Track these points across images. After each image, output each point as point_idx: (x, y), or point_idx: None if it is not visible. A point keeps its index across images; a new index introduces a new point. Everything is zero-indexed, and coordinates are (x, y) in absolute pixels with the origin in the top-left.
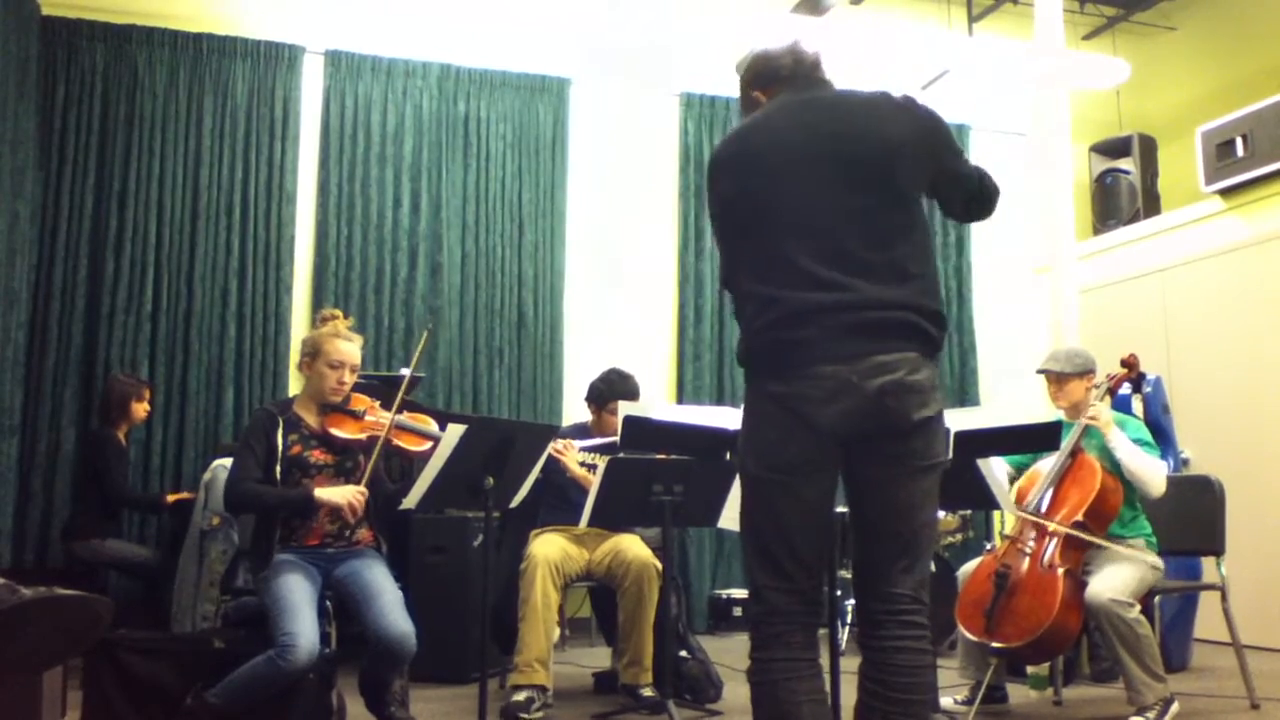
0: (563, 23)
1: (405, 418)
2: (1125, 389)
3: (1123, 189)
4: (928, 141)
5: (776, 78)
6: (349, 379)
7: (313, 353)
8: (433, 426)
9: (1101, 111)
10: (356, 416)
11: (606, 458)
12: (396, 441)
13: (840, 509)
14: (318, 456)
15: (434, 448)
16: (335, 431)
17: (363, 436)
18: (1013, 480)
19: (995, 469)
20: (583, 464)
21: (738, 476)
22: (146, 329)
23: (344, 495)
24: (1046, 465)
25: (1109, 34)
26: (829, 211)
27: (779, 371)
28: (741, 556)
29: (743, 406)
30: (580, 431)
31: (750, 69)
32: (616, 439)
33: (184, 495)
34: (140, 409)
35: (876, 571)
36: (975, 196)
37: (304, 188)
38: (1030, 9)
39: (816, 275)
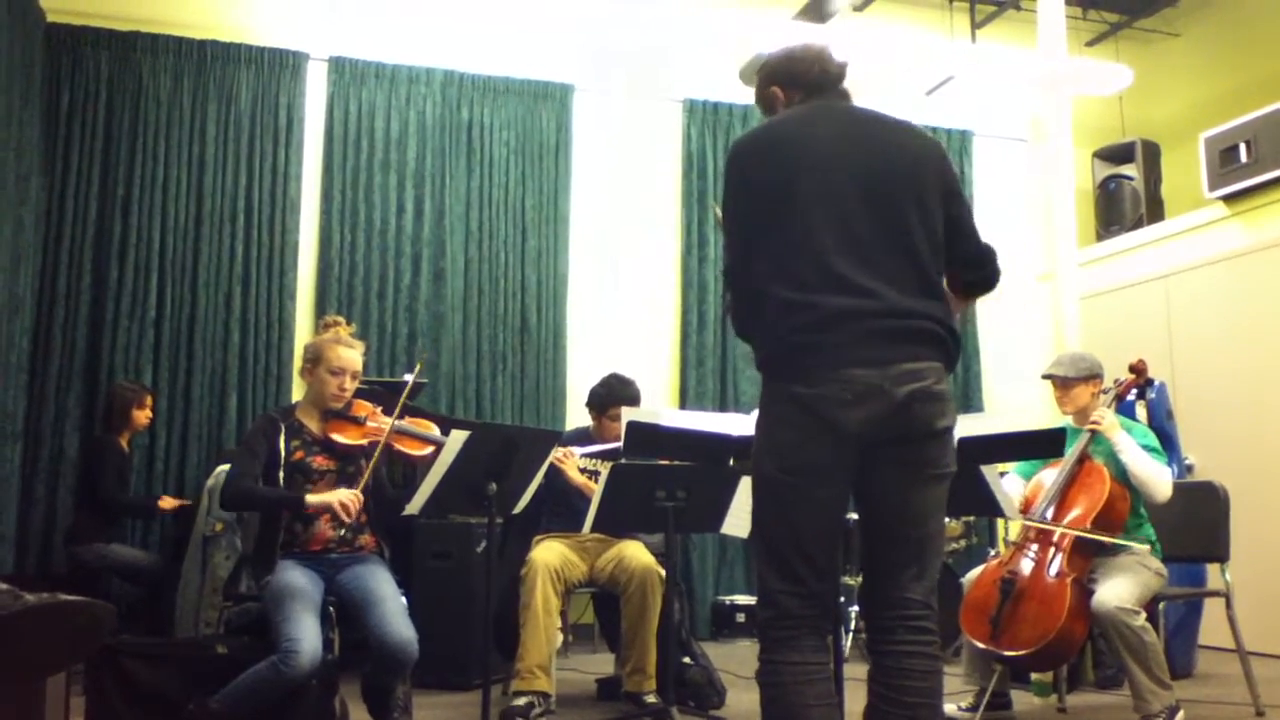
0: (566, 29)
1: (406, 423)
2: (1130, 395)
3: (1126, 195)
4: (944, 174)
5: (801, 82)
6: (350, 385)
7: (314, 359)
8: (434, 431)
9: (1104, 117)
10: (358, 422)
11: (609, 464)
12: (398, 446)
13: (847, 515)
14: (320, 462)
15: (436, 452)
16: (337, 437)
17: (364, 442)
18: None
19: (1010, 489)
20: (584, 470)
21: (745, 481)
22: (150, 335)
23: (336, 496)
24: (1051, 473)
25: (1112, 40)
26: (862, 219)
27: (805, 374)
28: (746, 561)
29: (758, 409)
30: (582, 437)
31: (774, 65)
32: (617, 445)
33: (177, 503)
34: (142, 416)
35: (888, 578)
36: (977, 262)
37: (307, 194)
38: (1033, 15)
39: (848, 279)
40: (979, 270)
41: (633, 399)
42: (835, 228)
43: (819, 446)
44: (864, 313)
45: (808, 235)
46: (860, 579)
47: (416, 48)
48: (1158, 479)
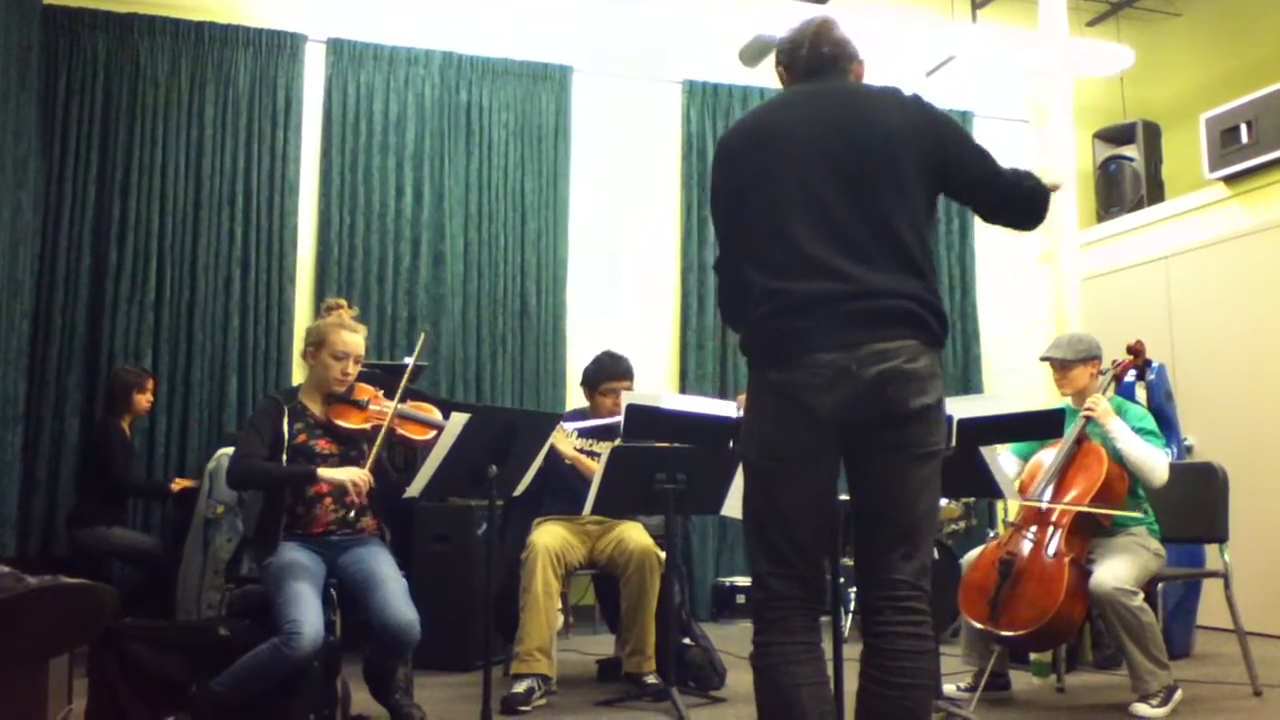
0: (565, 10)
1: (409, 406)
2: (1129, 376)
3: (1126, 176)
4: (932, 134)
5: (794, 65)
6: (353, 369)
7: (317, 343)
8: (436, 415)
9: (1105, 98)
10: (360, 406)
11: (608, 445)
12: (400, 431)
13: (844, 496)
14: (323, 446)
15: (438, 436)
16: (340, 422)
17: (367, 426)
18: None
19: (1005, 466)
20: (580, 449)
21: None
22: (150, 318)
23: (348, 474)
24: (1050, 454)
25: (1113, 20)
26: (836, 200)
27: (779, 361)
28: (744, 543)
29: (745, 395)
30: (580, 416)
31: (780, 43)
32: (610, 420)
33: (189, 483)
34: (143, 400)
35: (877, 559)
36: (1010, 200)
37: (306, 177)
38: None
39: (824, 263)
40: (1009, 210)
41: (625, 374)
42: (808, 211)
43: (797, 432)
44: (836, 296)
45: (781, 221)
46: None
47: (415, 29)
48: (1154, 464)
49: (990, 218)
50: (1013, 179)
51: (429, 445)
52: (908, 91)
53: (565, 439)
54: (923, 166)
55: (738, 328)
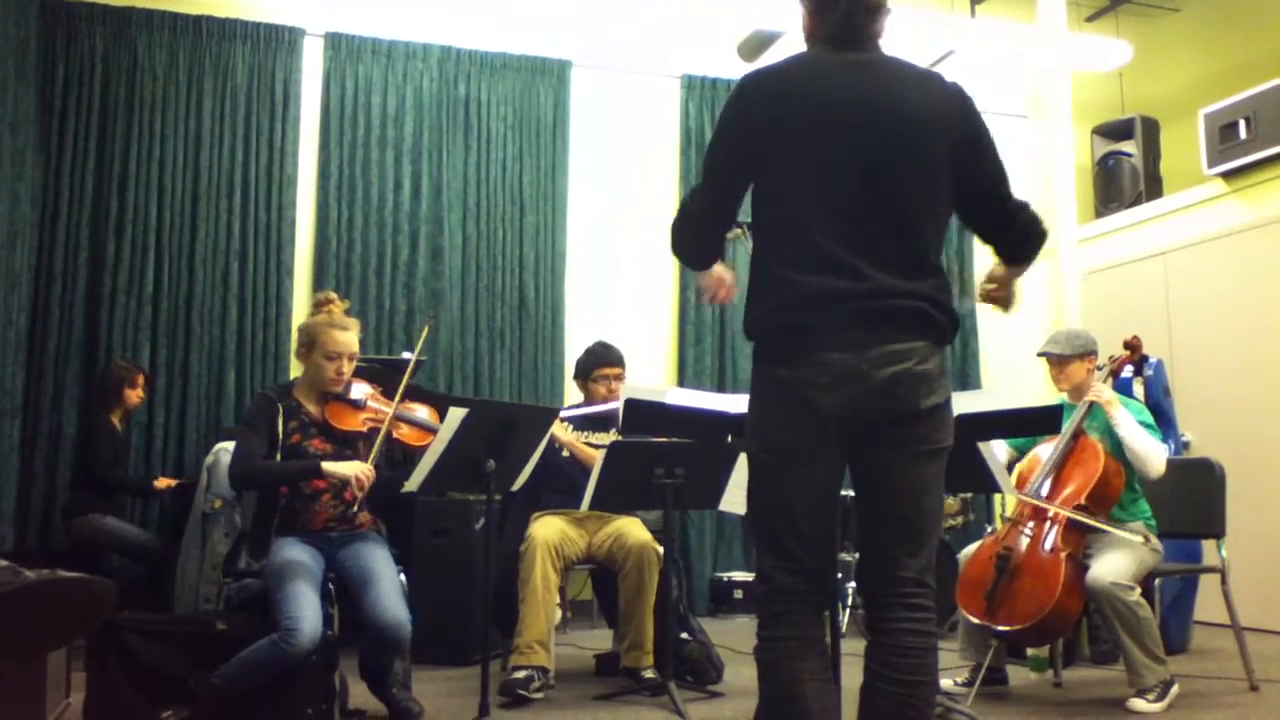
0: (563, 5)
1: (405, 408)
2: (1127, 371)
3: (1125, 172)
4: (968, 132)
5: (823, 26)
6: (348, 368)
7: (309, 343)
8: (433, 418)
9: (1104, 94)
10: (357, 406)
11: (605, 437)
12: (395, 435)
13: (845, 492)
14: (317, 445)
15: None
16: (336, 423)
17: (363, 429)
18: (1013, 461)
19: (995, 449)
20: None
21: (743, 458)
22: (148, 312)
23: (352, 469)
24: (1048, 448)
25: (1111, 16)
26: (857, 192)
27: (786, 356)
28: (743, 539)
29: (750, 388)
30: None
31: None
32: (604, 407)
33: (173, 481)
34: (133, 395)
35: (882, 555)
36: (1011, 224)
37: (304, 170)
38: None
39: (836, 259)
40: (1005, 234)
41: (616, 361)
42: (827, 200)
43: (801, 428)
44: (846, 294)
45: (795, 208)
46: (857, 556)
47: (413, 23)
48: (1153, 455)
49: (991, 238)
50: (1015, 205)
51: (424, 447)
52: (949, 81)
53: (562, 426)
54: (951, 162)
55: (689, 261)
